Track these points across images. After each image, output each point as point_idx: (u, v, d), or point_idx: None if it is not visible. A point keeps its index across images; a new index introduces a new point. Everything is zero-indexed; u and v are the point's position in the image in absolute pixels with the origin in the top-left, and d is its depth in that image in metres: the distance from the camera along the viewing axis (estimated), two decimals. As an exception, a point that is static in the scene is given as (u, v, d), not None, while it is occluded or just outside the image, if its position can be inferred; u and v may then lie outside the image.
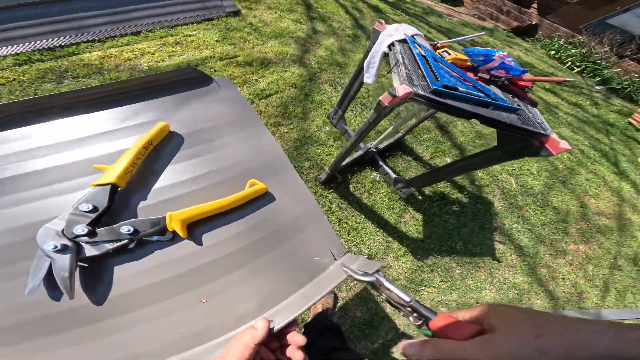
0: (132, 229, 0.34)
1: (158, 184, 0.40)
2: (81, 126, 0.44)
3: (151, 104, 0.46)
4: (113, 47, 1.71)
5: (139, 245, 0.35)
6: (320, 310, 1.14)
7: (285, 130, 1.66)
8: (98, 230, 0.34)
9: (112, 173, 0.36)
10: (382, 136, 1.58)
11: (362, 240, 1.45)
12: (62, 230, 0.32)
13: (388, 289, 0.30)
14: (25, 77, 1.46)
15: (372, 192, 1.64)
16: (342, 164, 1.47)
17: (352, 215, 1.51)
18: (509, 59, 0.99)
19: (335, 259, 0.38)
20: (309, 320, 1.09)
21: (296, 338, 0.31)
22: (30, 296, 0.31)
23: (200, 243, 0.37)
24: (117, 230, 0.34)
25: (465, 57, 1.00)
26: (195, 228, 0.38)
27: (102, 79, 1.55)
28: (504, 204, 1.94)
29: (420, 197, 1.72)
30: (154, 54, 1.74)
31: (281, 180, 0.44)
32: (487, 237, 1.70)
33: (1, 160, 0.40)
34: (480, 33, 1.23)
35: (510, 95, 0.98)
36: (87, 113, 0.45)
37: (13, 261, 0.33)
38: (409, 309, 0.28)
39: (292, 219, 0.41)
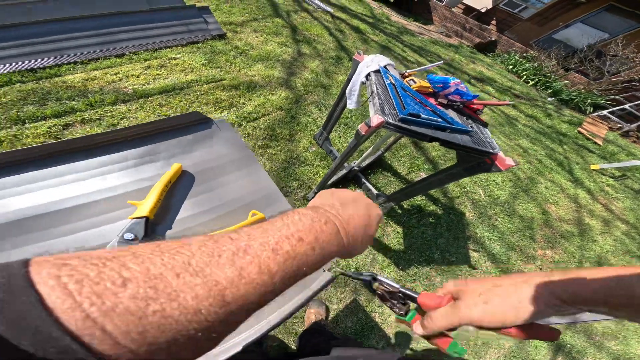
0: None
1: (179, 216, 0.48)
2: (112, 164, 0.51)
3: (163, 145, 0.54)
4: (96, 70, 1.71)
5: None
6: (313, 320, 1.19)
7: (273, 152, 1.73)
8: None
9: (145, 208, 0.44)
10: (363, 155, 1.69)
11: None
12: None
13: (381, 282, 0.38)
14: (7, 99, 1.43)
15: None
16: (327, 183, 1.55)
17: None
18: (462, 85, 1.16)
19: (324, 270, 0.47)
20: (302, 331, 1.15)
21: None
22: None
23: None
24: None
25: (428, 85, 1.14)
26: None
27: (86, 101, 1.54)
28: (474, 214, 2.12)
29: (399, 211, 1.84)
30: (138, 77, 1.76)
31: (275, 209, 0.52)
32: (462, 246, 1.85)
33: (57, 193, 0.46)
34: (438, 62, 1.45)
35: (465, 118, 1.14)
36: (117, 152, 0.52)
37: None
38: (400, 294, 0.36)
39: None
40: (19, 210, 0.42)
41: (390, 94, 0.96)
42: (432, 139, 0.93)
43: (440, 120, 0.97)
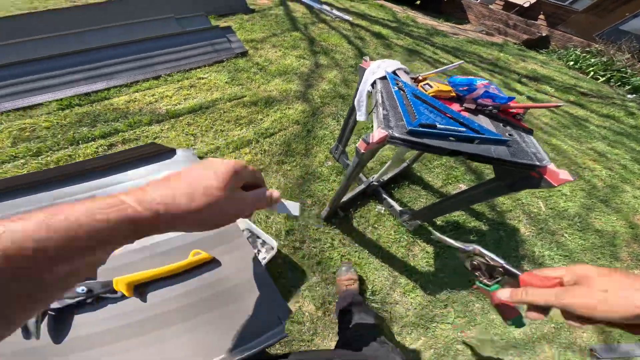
0: (86, 289, 0.43)
1: (121, 251, 0.46)
2: (73, 194, 0.52)
3: (124, 175, 0.55)
4: (137, 92, 1.90)
5: (98, 299, 0.44)
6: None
7: (289, 168, 1.71)
8: None
9: None
10: (382, 170, 1.57)
11: (366, 276, 1.40)
12: None
13: (483, 255, 0.38)
14: (66, 121, 1.65)
15: (376, 225, 1.60)
16: (341, 201, 1.47)
17: (355, 251, 1.48)
18: (493, 86, 0.98)
19: (282, 322, 0.42)
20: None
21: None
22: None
23: (145, 300, 0.44)
24: (75, 290, 0.42)
25: (449, 88, 0.99)
26: (143, 288, 0.45)
27: (127, 122, 1.71)
28: (532, 229, 1.80)
29: (431, 228, 1.65)
30: (171, 97, 1.91)
31: (231, 248, 0.48)
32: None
33: None
34: (457, 62, 1.20)
35: (501, 125, 0.95)
36: (82, 182, 0.53)
37: None
38: (500, 269, 0.36)
39: (237, 284, 0.46)
40: None
41: (398, 103, 0.84)
42: (452, 153, 0.79)
43: (464, 129, 0.82)
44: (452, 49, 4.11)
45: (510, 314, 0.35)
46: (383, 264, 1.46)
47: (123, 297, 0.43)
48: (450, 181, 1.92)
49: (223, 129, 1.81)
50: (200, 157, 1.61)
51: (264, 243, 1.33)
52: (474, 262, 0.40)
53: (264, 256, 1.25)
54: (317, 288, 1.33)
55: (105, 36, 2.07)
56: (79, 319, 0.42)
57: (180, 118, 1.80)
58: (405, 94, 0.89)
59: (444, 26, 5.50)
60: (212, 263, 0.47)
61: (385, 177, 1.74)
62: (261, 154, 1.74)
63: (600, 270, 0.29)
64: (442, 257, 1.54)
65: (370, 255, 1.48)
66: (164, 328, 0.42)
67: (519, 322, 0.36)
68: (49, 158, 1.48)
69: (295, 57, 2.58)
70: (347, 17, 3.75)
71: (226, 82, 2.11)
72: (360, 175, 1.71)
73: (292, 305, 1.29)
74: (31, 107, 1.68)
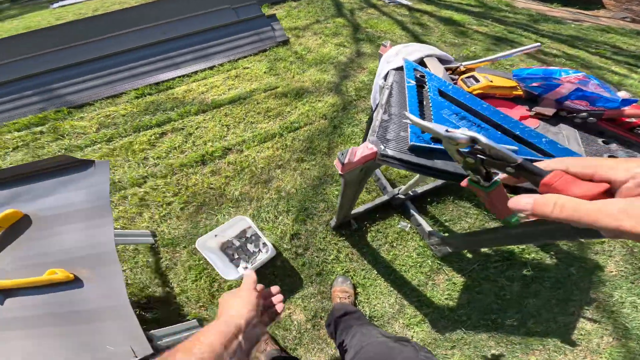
0: None
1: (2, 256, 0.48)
2: None
3: (29, 186, 0.53)
4: (194, 82, 2.02)
5: None
6: (269, 350, 1.09)
7: (307, 167, 1.60)
8: None
9: None
10: (411, 181, 1.30)
11: (368, 299, 1.24)
12: None
13: (489, 145, 0.25)
14: (137, 110, 1.87)
15: (395, 244, 1.37)
16: (354, 212, 1.29)
17: (362, 269, 1.31)
18: (593, 82, 0.63)
19: (136, 356, 0.40)
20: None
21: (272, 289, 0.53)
22: None
23: (2, 303, 0.45)
24: None
25: (513, 83, 0.69)
26: (7, 292, 0.45)
27: (179, 111, 1.83)
28: (625, 268, 1.31)
29: (469, 256, 1.34)
30: (219, 87, 1.98)
31: (102, 272, 0.46)
32: (569, 312, 1.20)
33: None
34: (533, 45, 0.76)
35: (600, 141, 0.62)
36: None
37: None
38: (516, 167, 0.25)
39: (94, 308, 0.44)
40: None
41: (408, 104, 0.60)
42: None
43: (517, 147, 0.56)
44: (569, 38, 3.05)
45: (508, 213, 0.29)
46: (392, 289, 1.25)
47: None
48: None
49: (253, 120, 1.80)
50: (228, 148, 1.65)
51: (265, 245, 1.30)
52: (469, 159, 0.28)
53: (264, 256, 1.21)
54: (312, 300, 1.23)
55: (172, 29, 2.23)
56: None
57: (221, 108, 1.86)
58: (425, 91, 0.64)
59: (560, 12, 4.18)
60: (73, 283, 0.46)
61: (419, 190, 1.45)
62: (282, 149, 1.67)
63: None
64: (473, 291, 1.24)
65: (379, 277, 1.28)
66: (15, 330, 0.42)
67: (515, 220, 0.29)
68: (116, 144, 1.70)
69: (334, 45, 2.37)
70: (405, 1, 3.26)
71: (264, 72, 2.07)
72: (385, 183, 1.48)
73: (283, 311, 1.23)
74: (117, 96, 1.94)
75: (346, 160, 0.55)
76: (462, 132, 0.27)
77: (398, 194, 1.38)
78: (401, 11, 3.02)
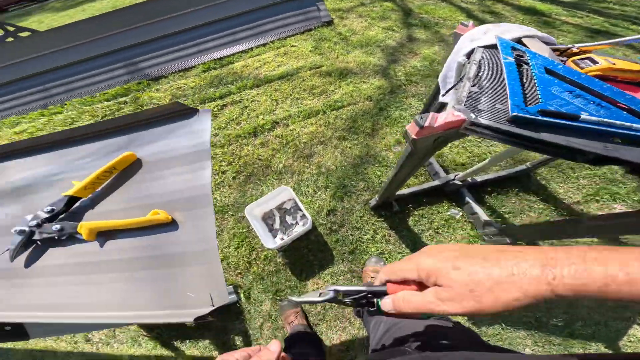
0: (59, 227, 0.48)
1: (107, 198, 0.52)
2: (86, 152, 0.59)
3: (141, 133, 0.57)
4: (250, 57, 2.14)
5: (70, 238, 0.50)
6: (296, 323, 1.09)
7: (349, 146, 1.56)
8: (45, 224, 0.49)
9: (73, 188, 0.50)
10: (474, 167, 1.16)
11: None
12: (30, 221, 0.49)
13: (346, 292, 0.32)
14: (203, 82, 2.04)
15: (440, 231, 1.26)
16: (398, 193, 1.19)
17: (399, 252, 1.23)
18: None
19: (213, 305, 0.39)
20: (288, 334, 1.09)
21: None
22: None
23: (102, 245, 0.48)
24: (51, 227, 0.48)
25: (635, 66, 0.57)
26: (106, 235, 0.49)
27: (238, 85, 1.93)
28: None
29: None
30: (270, 64, 2.05)
31: (196, 215, 0.47)
32: (625, 317, 1.05)
33: (25, 174, 0.60)
34: None
35: None
36: (96, 141, 0.59)
37: (7, 235, 0.51)
38: (370, 295, 0.31)
39: (184, 252, 0.45)
40: (17, 182, 0.59)
41: (507, 79, 0.55)
42: (601, 160, 0.46)
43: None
44: None
45: (414, 314, 0.31)
46: (432, 280, 1.12)
47: (87, 240, 0.48)
48: (598, 198, 1.27)
49: (299, 97, 1.83)
50: (276, 122, 1.70)
51: (303, 216, 1.29)
52: (346, 301, 0.33)
53: (300, 229, 1.21)
54: (341, 277, 1.20)
55: (231, 7, 2.27)
56: (49, 251, 0.49)
57: (272, 84, 1.92)
58: (528, 70, 0.58)
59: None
60: (170, 225, 0.47)
61: (479, 178, 1.30)
62: (325, 126, 1.66)
63: (452, 262, 0.25)
64: None
65: (419, 266, 1.17)
66: (109, 273, 0.46)
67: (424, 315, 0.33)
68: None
69: (381, 28, 2.25)
70: None
71: (310, 51, 2.08)
72: (438, 167, 1.35)
73: (311, 285, 1.21)
74: (187, 69, 2.14)
75: (426, 124, 0.52)
76: (326, 292, 0.32)
77: (454, 179, 1.25)
78: None
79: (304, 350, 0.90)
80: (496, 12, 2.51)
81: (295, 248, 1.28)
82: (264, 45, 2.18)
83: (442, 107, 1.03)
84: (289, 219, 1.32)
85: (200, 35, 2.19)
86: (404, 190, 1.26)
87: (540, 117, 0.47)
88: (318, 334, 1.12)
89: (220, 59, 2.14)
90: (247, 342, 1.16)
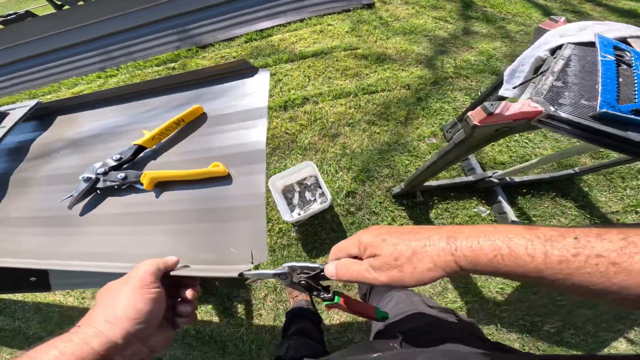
0: (123, 175, 0.48)
1: (169, 150, 0.53)
2: (155, 104, 0.61)
3: (206, 89, 0.58)
4: (288, 32, 2.14)
5: (130, 188, 0.50)
6: (300, 298, 1.10)
7: (377, 131, 1.50)
8: (111, 172, 0.49)
9: (142, 138, 0.51)
10: (518, 166, 1.06)
11: None
12: (98, 168, 0.50)
13: (302, 269, 0.34)
14: (244, 52, 2.09)
15: None
16: (425, 184, 1.12)
17: None
18: None
19: (252, 263, 0.38)
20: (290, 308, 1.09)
21: (187, 292, 0.34)
22: (59, 202, 0.50)
23: (158, 196, 0.48)
24: (116, 175, 0.48)
25: None
26: (163, 186, 0.48)
27: (274, 58, 1.95)
28: None
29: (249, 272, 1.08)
30: (306, 40, 2.03)
31: (249, 171, 0.46)
32: (615, 330, 1.05)
33: (97, 124, 0.62)
34: None
35: None
36: (164, 95, 0.61)
37: (72, 182, 0.52)
38: (322, 272, 0.32)
39: (234, 206, 0.44)
40: (90, 131, 0.60)
41: (600, 76, 0.55)
42: None
43: None
44: None
45: (370, 312, 0.36)
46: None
47: (146, 190, 0.48)
48: (639, 210, 1.17)
49: (331, 76, 1.79)
50: (306, 98, 1.70)
51: (322, 194, 1.28)
52: (302, 282, 0.34)
53: (317, 206, 1.20)
54: None
55: None
56: (106, 201, 0.50)
57: (305, 60, 1.91)
58: (627, 70, 0.58)
59: None
60: (225, 179, 0.47)
61: (517, 178, 1.21)
62: (355, 108, 1.61)
63: (382, 236, 0.29)
64: (529, 290, 1.10)
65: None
66: (159, 224, 0.46)
67: (383, 313, 0.36)
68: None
69: (432, 17, 2.10)
70: None
71: (346, 32, 2.02)
72: (475, 163, 1.25)
73: (318, 262, 1.20)
74: (232, 39, 2.20)
75: (497, 111, 0.53)
76: (280, 268, 0.34)
77: (490, 177, 1.15)
78: None
79: (303, 325, 0.89)
80: (582, 11, 2.21)
81: (310, 224, 1.27)
82: (301, 20, 2.16)
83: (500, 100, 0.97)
84: (308, 195, 1.31)
85: (245, 6, 2.22)
86: (433, 182, 1.19)
87: (632, 116, 0.47)
88: (319, 312, 1.10)
89: (261, 30, 2.16)
90: (249, 312, 1.18)
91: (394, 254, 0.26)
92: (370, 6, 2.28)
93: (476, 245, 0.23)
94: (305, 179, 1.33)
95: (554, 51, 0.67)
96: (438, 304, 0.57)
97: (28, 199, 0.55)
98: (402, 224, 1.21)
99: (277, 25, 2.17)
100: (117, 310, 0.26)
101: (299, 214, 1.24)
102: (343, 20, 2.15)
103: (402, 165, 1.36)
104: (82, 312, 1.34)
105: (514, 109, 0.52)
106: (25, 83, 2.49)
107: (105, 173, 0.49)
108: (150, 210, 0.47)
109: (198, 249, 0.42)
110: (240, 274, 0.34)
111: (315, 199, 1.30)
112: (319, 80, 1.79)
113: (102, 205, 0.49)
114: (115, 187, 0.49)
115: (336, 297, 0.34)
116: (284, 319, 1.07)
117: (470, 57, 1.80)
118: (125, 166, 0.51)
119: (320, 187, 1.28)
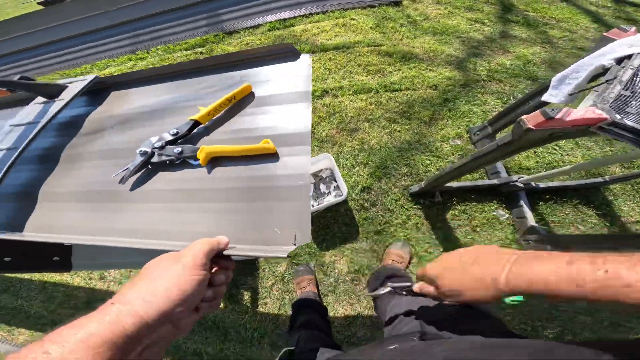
0: (180, 150, 0.48)
1: (221, 127, 0.53)
2: (206, 83, 0.61)
3: (252, 70, 0.60)
4: (310, 23, 2.12)
5: (182, 163, 0.49)
6: (308, 290, 1.10)
7: (398, 129, 1.46)
8: (168, 147, 0.49)
9: (198, 114, 0.51)
10: (550, 172, 1.01)
11: None
12: (155, 143, 0.49)
13: (399, 288, 0.45)
14: (268, 41, 2.10)
15: (479, 230, 1.16)
16: (447, 184, 1.08)
17: (428, 243, 1.15)
18: None
19: (294, 244, 0.38)
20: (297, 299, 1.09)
21: (227, 263, 0.34)
22: (111, 178, 0.49)
23: (209, 172, 0.48)
24: (172, 150, 0.47)
25: None
26: (215, 162, 0.48)
27: (297, 48, 1.93)
28: None
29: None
30: (328, 32, 2.01)
31: (295, 152, 0.47)
32: (612, 338, 1.03)
33: (152, 100, 0.62)
34: None
35: None
36: (213, 74, 0.62)
37: (125, 157, 0.52)
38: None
39: (280, 186, 0.44)
40: (145, 107, 0.61)
41: None
42: None
43: None
44: None
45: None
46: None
47: (199, 165, 0.47)
48: None
49: (352, 71, 1.76)
50: (326, 91, 1.69)
51: (337, 187, 1.26)
52: (403, 292, 0.45)
53: (332, 199, 1.18)
54: (361, 254, 1.15)
55: None
56: (157, 176, 0.48)
57: (327, 53, 1.89)
58: None
59: None
60: (273, 157, 0.47)
61: (542, 184, 1.16)
62: (376, 104, 1.57)
63: (436, 267, 0.39)
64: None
65: (446, 258, 1.07)
66: (208, 202, 0.45)
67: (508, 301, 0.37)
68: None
69: (467, 19, 2.03)
70: None
71: (370, 27, 1.98)
72: (500, 167, 1.20)
73: (329, 257, 1.18)
74: (256, 27, 2.22)
75: (558, 116, 0.54)
76: (382, 289, 0.49)
77: (516, 181, 1.09)
78: (599, 1, 2.31)
79: (310, 316, 0.89)
80: (637, 19, 2.07)
81: (323, 217, 1.25)
82: (324, 13, 2.14)
83: (541, 106, 0.94)
84: (322, 187, 1.30)
85: None
86: (453, 183, 1.14)
87: None
88: (325, 304, 1.09)
89: (285, 19, 2.16)
90: (255, 299, 1.18)
91: (451, 287, 0.35)
92: (397, 3, 2.23)
93: (527, 265, 0.27)
94: (321, 171, 1.32)
95: (620, 61, 0.67)
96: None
97: (78, 174, 0.55)
98: (417, 223, 1.18)
99: (299, 16, 2.16)
100: (158, 288, 0.24)
101: (313, 206, 1.23)
102: (367, 15, 2.11)
103: (422, 164, 1.32)
104: (87, 292, 1.37)
105: (576, 114, 0.54)
106: (59, 64, 2.61)
107: (162, 147, 0.48)
108: (200, 187, 0.46)
109: (243, 229, 0.41)
110: (289, 255, 0.34)
111: (329, 192, 1.28)
112: (340, 73, 1.77)
113: (152, 180, 0.49)
114: (168, 162, 0.48)
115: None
116: (290, 309, 1.07)
117: (505, 61, 1.72)
118: (180, 141, 0.50)
119: (335, 181, 1.26)
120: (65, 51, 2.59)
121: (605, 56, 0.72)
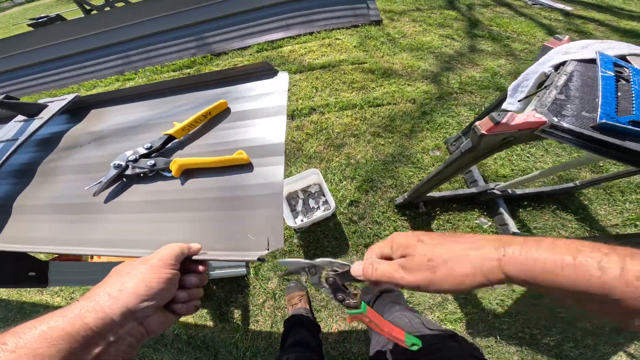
0: (153, 162, 0.48)
1: (196, 141, 0.54)
2: (184, 101, 0.63)
3: (230, 88, 0.62)
4: (297, 44, 2.21)
5: (155, 176, 0.50)
6: (299, 306, 1.09)
7: (382, 143, 1.52)
8: (141, 160, 0.50)
9: (172, 129, 0.52)
10: (520, 178, 1.07)
11: None
12: (128, 156, 0.50)
13: (331, 264, 0.32)
14: (256, 62, 2.17)
15: None
16: (429, 194, 1.14)
17: None
18: None
19: (268, 249, 0.38)
20: (288, 315, 1.08)
21: (198, 266, 0.34)
22: (84, 190, 0.50)
23: (183, 183, 0.48)
24: (145, 162, 0.48)
25: None
26: (189, 173, 0.49)
27: (284, 68, 2.02)
28: None
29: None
30: (314, 52, 2.09)
31: (269, 162, 0.48)
32: (616, 343, 1.01)
33: (130, 117, 0.63)
34: None
35: None
36: (192, 92, 0.64)
37: (99, 171, 0.53)
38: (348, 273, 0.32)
39: (253, 195, 0.45)
40: (122, 124, 0.62)
41: (601, 91, 0.59)
42: None
43: None
44: None
45: (400, 335, 0.33)
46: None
47: (172, 177, 0.48)
48: (638, 223, 1.18)
49: (338, 88, 1.83)
50: (313, 108, 1.73)
51: (325, 202, 1.29)
52: (329, 280, 0.32)
53: (321, 214, 1.21)
54: None
55: None
56: (131, 188, 0.49)
57: (313, 72, 1.96)
58: (625, 85, 0.62)
59: None
60: (247, 167, 0.48)
61: (519, 191, 1.21)
62: (360, 120, 1.64)
63: (418, 237, 0.28)
64: (529, 302, 1.07)
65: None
66: (181, 212, 0.46)
67: (413, 340, 0.33)
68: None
69: (439, 35, 2.16)
70: (559, 5, 2.69)
71: (354, 46, 2.08)
72: (478, 176, 1.26)
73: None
74: (244, 48, 2.28)
75: (503, 120, 0.56)
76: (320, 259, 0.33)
77: (493, 189, 1.15)
78: (552, 15, 2.49)
79: (302, 335, 0.88)
80: (585, 31, 2.26)
81: (312, 232, 1.27)
82: (310, 34, 2.23)
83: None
84: (311, 202, 1.33)
85: (258, 17, 2.30)
86: (435, 193, 1.19)
87: (630, 127, 0.49)
88: (318, 320, 1.09)
89: (272, 41, 2.23)
90: (246, 317, 1.16)
91: (427, 254, 0.25)
92: (378, 23, 2.37)
93: (532, 253, 0.21)
94: (309, 186, 1.35)
95: (557, 67, 0.71)
96: (438, 325, 0.56)
97: (52, 187, 0.55)
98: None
99: (287, 37, 2.25)
100: (125, 284, 0.25)
101: (302, 221, 1.25)
102: (351, 35, 2.23)
103: (405, 176, 1.37)
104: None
105: (519, 119, 0.56)
106: (47, 84, 2.58)
107: (135, 160, 0.49)
108: (174, 198, 0.47)
109: (217, 236, 0.42)
110: (259, 258, 0.34)
111: (318, 207, 1.31)
112: (326, 91, 1.84)
113: (127, 192, 0.49)
114: (142, 174, 0.49)
115: (363, 306, 0.31)
116: (282, 326, 1.06)
117: (475, 73, 1.84)
118: (153, 155, 0.52)
119: (324, 195, 1.29)
120: (53, 72, 2.57)
121: (545, 64, 0.78)
